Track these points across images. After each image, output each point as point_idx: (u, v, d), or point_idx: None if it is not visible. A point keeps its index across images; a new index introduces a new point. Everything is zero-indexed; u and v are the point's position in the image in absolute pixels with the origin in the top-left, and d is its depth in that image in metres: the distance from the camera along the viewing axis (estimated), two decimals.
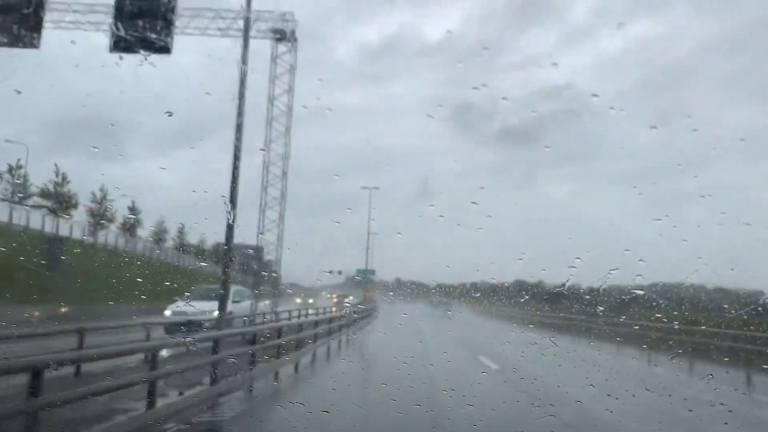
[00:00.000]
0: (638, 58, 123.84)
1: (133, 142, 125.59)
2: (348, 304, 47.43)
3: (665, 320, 20.10)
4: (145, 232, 56.10)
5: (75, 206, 40.99)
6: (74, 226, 39.00)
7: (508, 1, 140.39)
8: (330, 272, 68.82)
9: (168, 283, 32.43)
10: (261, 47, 27.40)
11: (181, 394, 8.13)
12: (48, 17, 22.26)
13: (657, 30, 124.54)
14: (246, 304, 21.26)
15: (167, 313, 18.51)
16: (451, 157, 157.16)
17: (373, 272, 67.39)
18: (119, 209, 55.51)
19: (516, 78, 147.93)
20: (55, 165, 40.51)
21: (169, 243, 57.73)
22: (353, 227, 70.63)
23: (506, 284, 73.38)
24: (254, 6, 13.53)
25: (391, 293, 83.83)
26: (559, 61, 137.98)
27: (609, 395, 8.29)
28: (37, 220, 35.40)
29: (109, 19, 21.95)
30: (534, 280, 66.89)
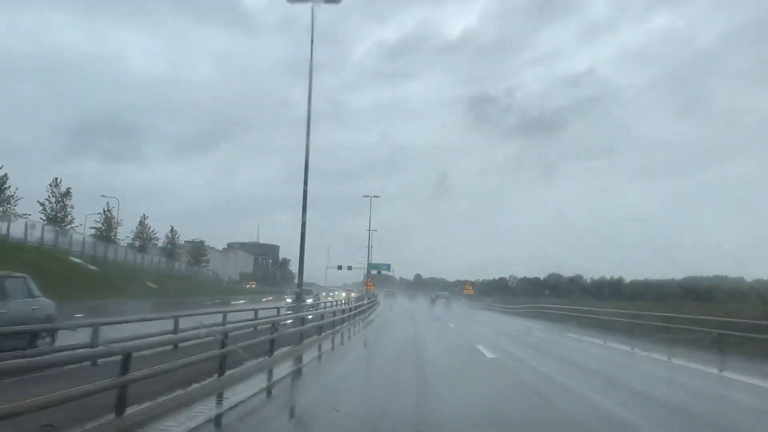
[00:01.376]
0: (660, 51, 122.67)
1: (150, 145, 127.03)
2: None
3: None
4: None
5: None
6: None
7: None
8: (339, 268, 68.01)
9: None
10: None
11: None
12: None
13: (679, 22, 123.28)
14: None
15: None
16: (470, 153, 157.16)
17: (387, 267, 65.81)
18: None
19: (536, 73, 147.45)
20: None
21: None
22: (373, 225, 70.21)
23: (540, 278, 67.46)
24: None
25: (394, 290, 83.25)
26: (579, 56, 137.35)
27: None
28: None
29: None
30: (571, 274, 62.68)
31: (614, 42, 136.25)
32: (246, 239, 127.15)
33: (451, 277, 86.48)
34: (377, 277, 72.81)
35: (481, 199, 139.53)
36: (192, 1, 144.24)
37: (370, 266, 64.73)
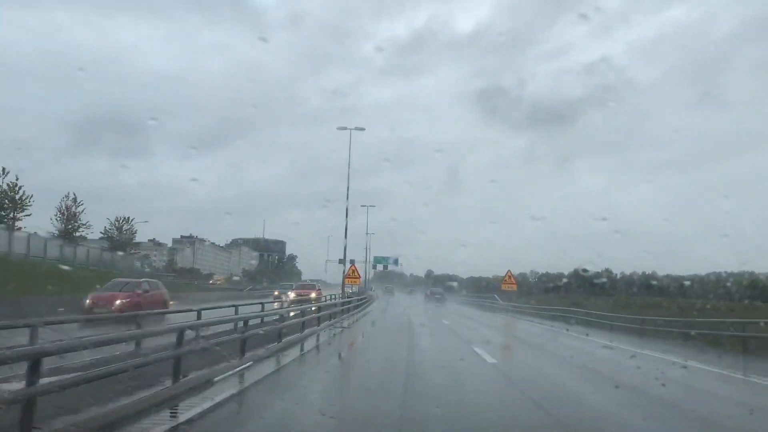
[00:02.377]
0: (674, 44, 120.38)
1: (159, 142, 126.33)
2: None
3: None
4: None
5: None
6: None
7: None
8: (340, 262, 64.40)
9: None
10: None
11: None
12: None
13: (693, 15, 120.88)
14: None
15: None
16: (483, 147, 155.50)
17: (394, 261, 60.99)
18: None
19: (548, 67, 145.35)
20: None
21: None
22: (380, 220, 68.02)
23: (564, 274, 62.80)
24: None
25: (392, 286, 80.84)
26: (592, 49, 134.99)
27: None
28: None
29: None
30: (597, 269, 58.01)
31: (628, 34, 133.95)
32: (253, 236, 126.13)
33: (464, 273, 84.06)
34: (383, 272, 69.58)
35: (495, 193, 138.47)
36: None
37: (375, 260, 60.07)
